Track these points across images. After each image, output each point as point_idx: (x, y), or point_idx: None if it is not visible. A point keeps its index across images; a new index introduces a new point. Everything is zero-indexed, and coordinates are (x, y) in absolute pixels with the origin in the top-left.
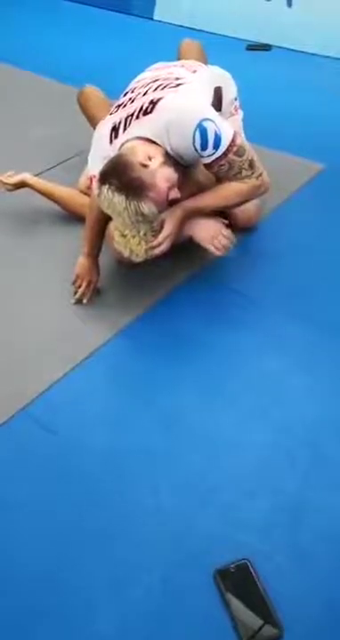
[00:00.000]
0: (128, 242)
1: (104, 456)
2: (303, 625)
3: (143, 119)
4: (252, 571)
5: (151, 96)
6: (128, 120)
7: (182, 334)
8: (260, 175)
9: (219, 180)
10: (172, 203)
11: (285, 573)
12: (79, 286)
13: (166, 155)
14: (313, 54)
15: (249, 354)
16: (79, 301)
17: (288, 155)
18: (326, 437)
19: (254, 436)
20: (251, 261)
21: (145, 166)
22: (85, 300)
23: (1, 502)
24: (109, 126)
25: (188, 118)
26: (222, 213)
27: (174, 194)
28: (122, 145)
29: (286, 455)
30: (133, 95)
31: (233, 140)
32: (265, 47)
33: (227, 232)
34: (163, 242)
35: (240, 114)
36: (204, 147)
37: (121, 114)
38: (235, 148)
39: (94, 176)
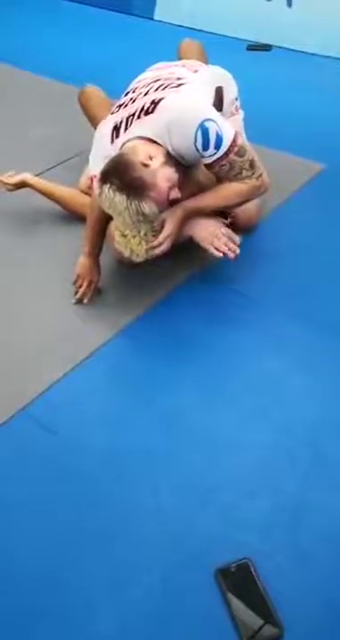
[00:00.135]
0: (129, 242)
1: (104, 456)
2: (304, 625)
3: (145, 119)
4: (252, 570)
5: (153, 96)
6: (129, 120)
7: (183, 334)
8: (260, 175)
9: (219, 180)
10: (172, 203)
11: (285, 573)
12: (80, 286)
13: (167, 155)
14: (314, 54)
15: (249, 354)
16: (80, 301)
17: (289, 155)
18: (326, 437)
19: (254, 435)
20: (251, 261)
21: (146, 166)
22: (85, 300)
23: (1, 502)
24: (111, 126)
25: (189, 118)
26: (223, 213)
27: (175, 194)
28: (123, 144)
29: (286, 455)
30: (134, 95)
31: (234, 141)
32: (265, 47)
33: (228, 232)
34: (163, 242)
35: (241, 114)
36: (205, 147)
37: (122, 113)
38: (236, 149)
39: (95, 175)
